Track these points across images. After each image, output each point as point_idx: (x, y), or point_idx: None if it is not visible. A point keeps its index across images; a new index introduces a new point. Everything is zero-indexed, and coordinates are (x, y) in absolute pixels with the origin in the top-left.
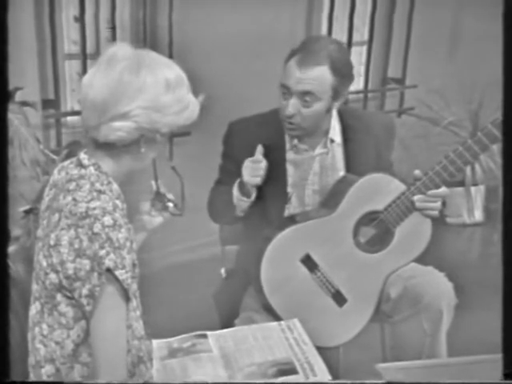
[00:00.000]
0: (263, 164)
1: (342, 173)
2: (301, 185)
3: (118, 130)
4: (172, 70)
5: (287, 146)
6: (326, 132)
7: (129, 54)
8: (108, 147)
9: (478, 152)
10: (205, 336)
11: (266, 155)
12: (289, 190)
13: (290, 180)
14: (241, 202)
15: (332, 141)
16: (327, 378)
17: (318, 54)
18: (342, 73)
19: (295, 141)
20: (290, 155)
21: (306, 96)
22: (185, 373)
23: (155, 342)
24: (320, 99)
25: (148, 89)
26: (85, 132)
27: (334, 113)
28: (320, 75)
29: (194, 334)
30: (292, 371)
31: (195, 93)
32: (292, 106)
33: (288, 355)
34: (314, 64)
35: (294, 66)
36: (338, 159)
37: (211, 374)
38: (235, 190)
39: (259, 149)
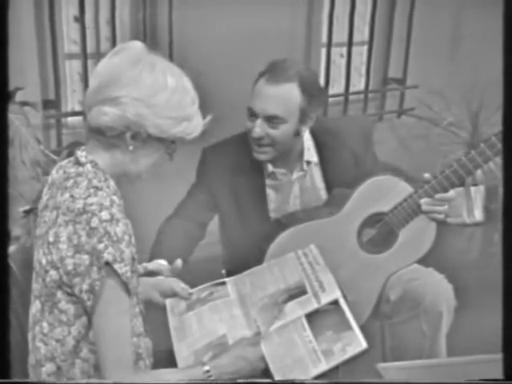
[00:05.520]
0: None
1: (322, 191)
2: (282, 208)
3: (105, 114)
4: (177, 78)
5: (265, 171)
6: (301, 154)
7: (138, 50)
8: (99, 137)
9: (490, 156)
10: (223, 283)
11: (245, 181)
12: (271, 215)
13: (271, 205)
14: None
15: (308, 162)
16: (336, 290)
17: (287, 71)
18: (311, 92)
19: (270, 167)
20: (269, 181)
21: (272, 119)
22: (201, 324)
23: (172, 300)
24: (286, 121)
25: (142, 82)
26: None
27: (307, 133)
28: (289, 92)
29: (212, 283)
30: (301, 293)
31: (198, 93)
32: (259, 127)
33: (300, 278)
34: (283, 81)
35: (262, 85)
36: (317, 178)
37: (226, 318)
38: None
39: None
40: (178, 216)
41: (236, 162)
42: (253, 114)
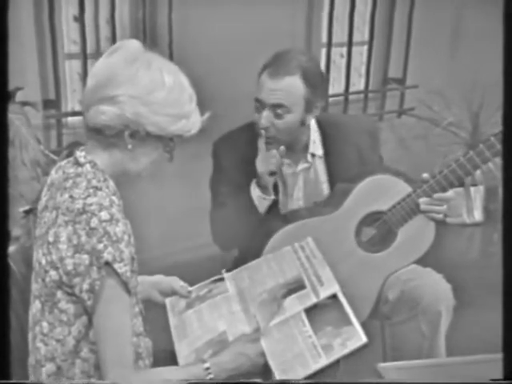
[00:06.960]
0: (275, 155)
1: (325, 185)
2: (287, 200)
3: (103, 113)
4: (173, 75)
5: None
6: (306, 146)
7: (134, 48)
8: (98, 136)
9: (489, 157)
10: (222, 279)
11: (254, 170)
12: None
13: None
14: (262, 200)
15: (313, 155)
16: (334, 284)
17: (289, 64)
18: (314, 83)
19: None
20: None
21: (277, 108)
22: (201, 322)
23: (172, 299)
24: (292, 111)
25: (139, 80)
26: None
27: (314, 126)
28: (291, 85)
29: (211, 280)
30: (300, 288)
31: (197, 95)
32: (265, 118)
33: (298, 273)
34: (284, 74)
35: (265, 78)
36: (321, 172)
37: (226, 314)
38: (254, 189)
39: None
40: (218, 207)
41: (246, 152)
42: (259, 105)
